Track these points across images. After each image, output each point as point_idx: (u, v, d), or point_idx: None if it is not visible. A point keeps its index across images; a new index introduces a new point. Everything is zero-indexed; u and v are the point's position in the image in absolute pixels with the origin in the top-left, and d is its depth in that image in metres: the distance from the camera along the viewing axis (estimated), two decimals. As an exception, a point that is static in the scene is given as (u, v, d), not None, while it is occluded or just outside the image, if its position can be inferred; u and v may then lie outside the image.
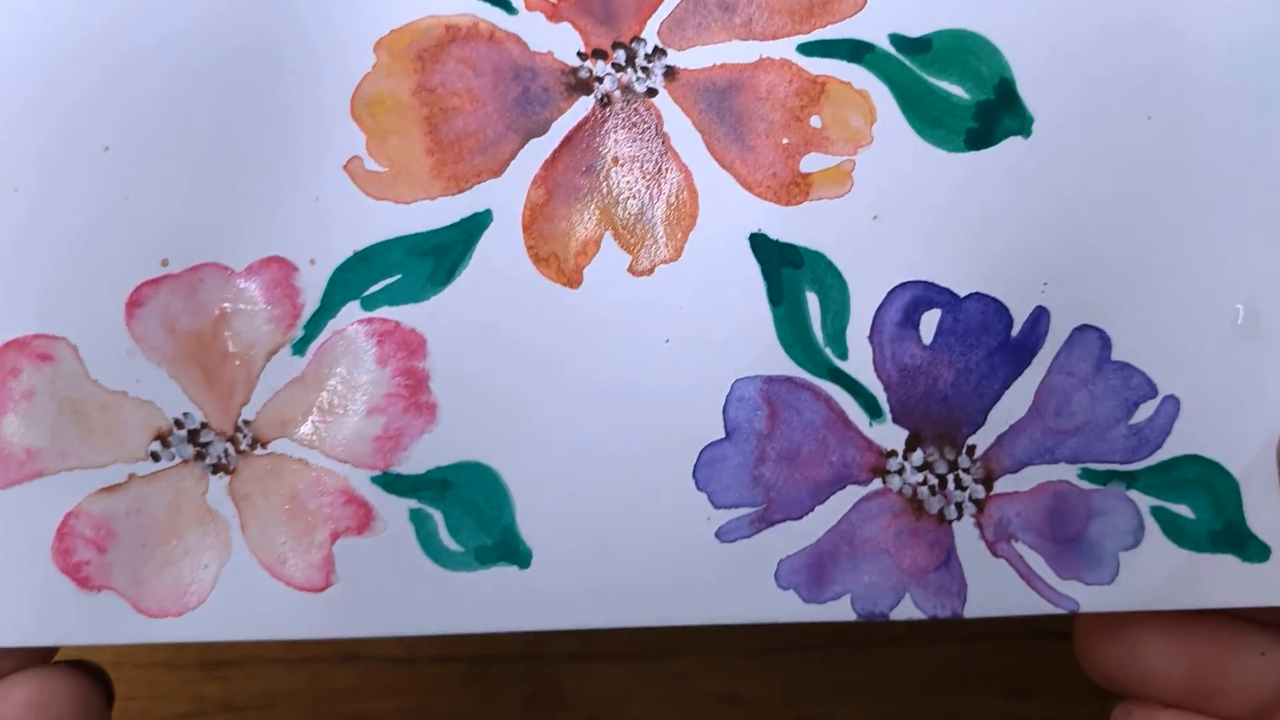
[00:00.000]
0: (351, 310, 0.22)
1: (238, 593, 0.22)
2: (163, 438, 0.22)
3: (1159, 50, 0.22)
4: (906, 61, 0.23)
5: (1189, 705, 0.24)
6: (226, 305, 0.22)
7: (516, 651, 0.34)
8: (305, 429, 0.22)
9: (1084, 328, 0.22)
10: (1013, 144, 0.23)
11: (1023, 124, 0.23)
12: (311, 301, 0.22)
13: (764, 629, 0.33)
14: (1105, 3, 0.22)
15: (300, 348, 0.22)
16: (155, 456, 0.22)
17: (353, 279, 0.22)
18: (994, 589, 0.22)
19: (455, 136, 0.22)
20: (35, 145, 0.22)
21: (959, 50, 0.22)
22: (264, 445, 0.22)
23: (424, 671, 0.34)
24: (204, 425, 0.22)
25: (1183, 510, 0.22)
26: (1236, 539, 0.22)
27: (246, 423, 0.22)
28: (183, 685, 0.34)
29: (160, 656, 0.34)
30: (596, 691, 0.34)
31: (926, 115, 0.23)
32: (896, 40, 0.22)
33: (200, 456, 0.22)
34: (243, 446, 0.22)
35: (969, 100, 0.23)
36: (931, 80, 0.23)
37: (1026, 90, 0.23)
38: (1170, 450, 0.22)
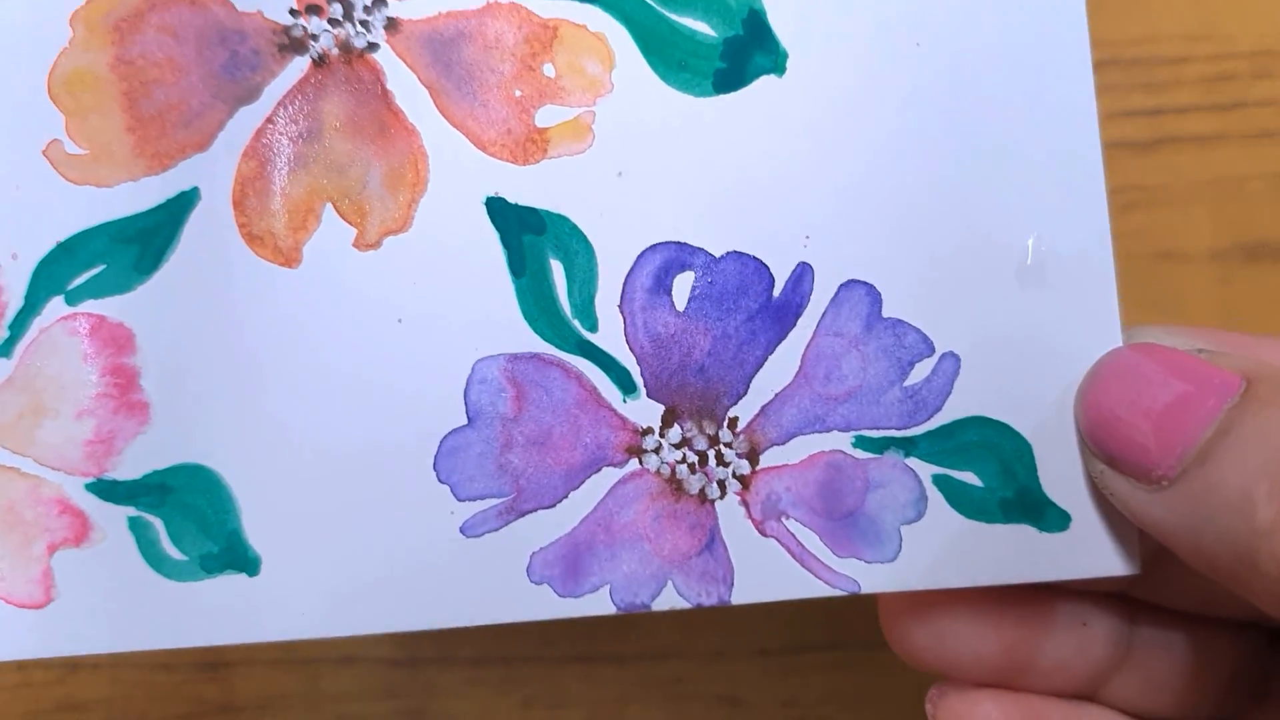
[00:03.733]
0: (57, 306, 0.21)
1: (-44, 614, 0.21)
2: None
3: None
4: (647, -2, 0.20)
5: (1008, 684, 0.22)
6: (-74, 308, 0.21)
7: (516, 653, 0.33)
8: (16, 436, 0.21)
9: (851, 283, 0.20)
10: (766, 84, 0.20)
11: (776, 61, 0.20)
12: (15, 299, 0.21)
13: (765, 628, 0.32)
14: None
15: (6, 349, 0.21)
16: None
17: (57, 272, 0.21)
18: (765, 572, 0.21)
19: (156, 110, 0.21)
20: None
21: (700, -18, 0.20)
22: (-25, 456, 0.21)
23: (423, 673, 0.33)
24: (-88, 437, 0.21)
25: (969, 478, 0.20)
26: (1031, 507, 0.20)
27: (-44, 432, 0.21)
28: (180, 686, 0.33)
29: (158, 658, 0.33)
30: (596, 693, 0.33)
31: (670, 57, 0.20)
32: (631, -25, 0.20)
33: (-90, 471, 0.21)
34: (-47, 458, 0.21)
35: (715, 38, 0.20)
36: (674, 18, 0.20)
37: (779, 22, 0.20)
38: (951, 413, 0.20)
